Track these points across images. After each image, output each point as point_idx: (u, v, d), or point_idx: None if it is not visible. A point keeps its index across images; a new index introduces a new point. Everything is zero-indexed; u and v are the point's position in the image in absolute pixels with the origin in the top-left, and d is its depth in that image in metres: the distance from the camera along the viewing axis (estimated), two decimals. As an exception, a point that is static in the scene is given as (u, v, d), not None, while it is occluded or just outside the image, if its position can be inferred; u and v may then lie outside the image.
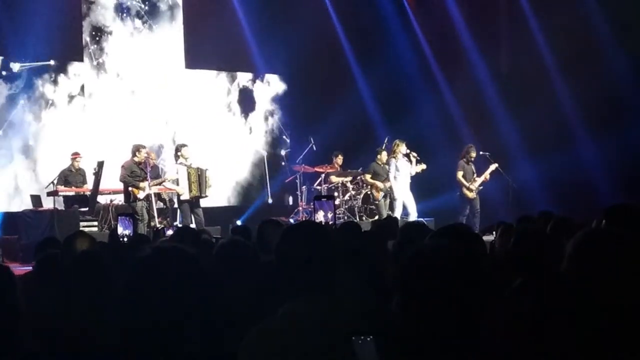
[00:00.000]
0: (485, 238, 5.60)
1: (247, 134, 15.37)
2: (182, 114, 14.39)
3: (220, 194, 13.68)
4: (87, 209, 11.37)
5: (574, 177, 11.90)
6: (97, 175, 11.12)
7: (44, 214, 11.10)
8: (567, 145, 12.06)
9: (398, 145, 11.91)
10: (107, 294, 2.89)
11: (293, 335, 2.04)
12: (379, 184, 12.12)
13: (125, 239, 6.09)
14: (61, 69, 13.26)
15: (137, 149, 10.91)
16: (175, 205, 11.64)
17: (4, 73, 12.54)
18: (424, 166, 12.01)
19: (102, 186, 11.41)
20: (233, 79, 15.31)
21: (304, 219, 11.79)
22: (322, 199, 7.74)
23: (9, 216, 11.82)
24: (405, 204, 11.89)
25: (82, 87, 13.50)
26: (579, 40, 12.03)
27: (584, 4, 12.23)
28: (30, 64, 12.62)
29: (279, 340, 2.04)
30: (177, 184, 11.18)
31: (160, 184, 11.23)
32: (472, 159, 12.14)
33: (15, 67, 12.56)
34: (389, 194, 12.13)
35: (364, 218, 12.64)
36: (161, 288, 1.83)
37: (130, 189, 10.76)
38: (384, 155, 12.29)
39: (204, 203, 11.61)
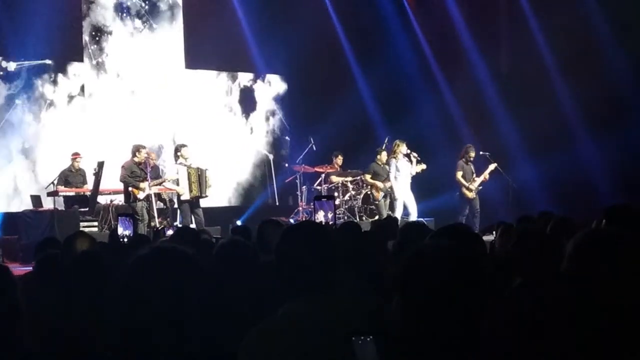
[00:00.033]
0: (485, 238, 5.60)
1: (247, 134, 15.37)
2: (182, 114, 14.39)
3: (220, 194, 13.68)
4: (87, 209, 11.37)
5: (574, 177, 11.91)
6: (97, 175, 11.13)
7: (44, 214, 11.11)
8: (567, 145, 12.05)
9: (398, 145, 11.90)
10: (107, 294, 2.89)
11: (293, 335, 2.04)
12: (379, 184, 12.12)
13: (126, 239, 6.09)
14: (61, 69, 13.26)
15: (137, 149, 10.91)
16: (176, 206, 11.64)
17: (1, 73, 12.54)
18: (424, 166, 12.01)
19: (102, 186, 11.41)
20: (233, 79, 15.31)
21: (304, 219, 11.79)
22: (322, 199, 7.74)
23: (9, 216, 11.82)
24: (405, 204, 11.89)
25: (82, 87, 13.50)
26: (579, 40, 12.02)
27: (584, 4, 12.23)
28: (26, 62, 12.60)
29: (278, 341, 2.04)
30: (177, 184, 11.18)
31: (160, 184, 11.23)
32: (471, 159, 12.14)
33: (12, 66, 12.54)
34: (389, 194, 12.13)
35: (364, 218, 12.64)
36: (159, 288, 1.83)
37: (130, 189, 10.76)
38: (383, 156, 12.28)
39: (204, 203, 11.61)
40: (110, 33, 13.80)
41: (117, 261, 3.25)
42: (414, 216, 11.70)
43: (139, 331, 1.82)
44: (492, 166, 12.16)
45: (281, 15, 14.56)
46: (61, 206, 11.51)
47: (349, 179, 13.11)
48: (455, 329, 1.77)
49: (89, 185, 11.58)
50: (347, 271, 3.22)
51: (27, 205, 11.80)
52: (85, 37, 13.55)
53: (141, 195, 10.74)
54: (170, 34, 14.45)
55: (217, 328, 2.22)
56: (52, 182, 11.32)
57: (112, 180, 11.33)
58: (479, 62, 13.88)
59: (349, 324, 2.04)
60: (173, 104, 14.30)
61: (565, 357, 2.01)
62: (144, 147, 11.08)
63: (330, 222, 7.04)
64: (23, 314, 2.31)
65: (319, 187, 13.15)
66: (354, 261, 3.72)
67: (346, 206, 12.91)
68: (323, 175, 13.13)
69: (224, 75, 15.18)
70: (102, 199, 11.80)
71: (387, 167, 12.10)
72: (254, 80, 15.48)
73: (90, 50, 13.61)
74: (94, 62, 13.65)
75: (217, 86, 15.09)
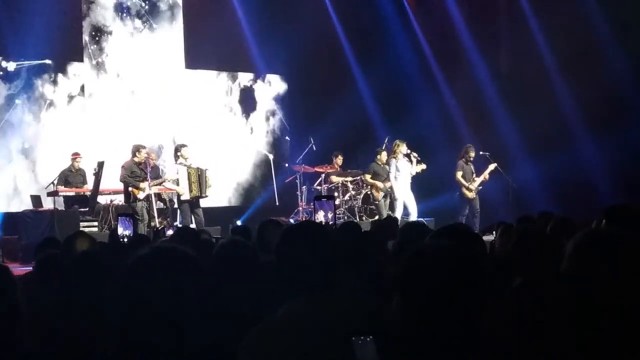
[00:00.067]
0: (485, 238, 5.60)
1: (247, 134, 15.37)
2: (182, 114, 14.39)
3: (220, 194, 13.68)
4: (87, 209, 11.37)
5: (574, 177, 11.90)
6: (97, 175, 11.13)
7: (44, 214, 11.10)
8: (567, 145, 12.05)
9: (398, 145, 11.90)
10: (107, 294, 2.89)
11: (293, 335, 2.04)
12: (379, 184, 12.12)
13: (126, 239, 6.09)
14: (61, 69, 13.26)
15: (137, 149, 10.91)
16: (176, 206, 11.64)
17: (1, 73, 12.54)
18: (423, 166, 12.01)
19: (102, 186, 11.41)
20: (234, 79, 15.31)
21: (304, 219, 11.79)
22: (322, 199, 7.74)
23: (9, 216, 11.82)
24: (406, 204, 11.89)
25: (82, 87, 13.50)
26: (579, 40, 12.02)
27: (584, 4, 12.23)
28: (26, 62, 12.59)
29: (278, 341, 2.04)
30: (177, 184, 11.18)
31: (160, 184, 11.23)
32: (471, 159, 12.14)
33: (12, 66, 12.54)
34: (389, 194, 12.13)
35: (364, 218, 12.64)
36: (159, 288, 1.83)
37: (130, 189, 10.76)
38: (383, 156, 12.28)
39: (204, 203, 11.62)
40: (110, 33, 13.80)
41: (117, 261, 3.25)
42: (414, 216, 11.70)
43: (139, 331, 1.82)
44: (491, 166, 12.16)
45: (281, 15, 14.55)
46: (61, 206, 11.51)
47: (349, 179, 13.11)
48: (455, 329, 1.77)
49: (89, 185, 11.58)
50: (347, 271, 3.22)
51: (26, 205, 11.80)
52: (85, 37, 13.54)
53: (141, 195, 10.74)
54: (170, 34, 14.45)
55: (217, 328, 2.22)
56: (52, 182, 11.32)
57: (112, 180, 11.33)
58: (479, 62, 13.88)
59: (349, 324, 2.04)
60: (173, 104, 14.29)
61: (565, 357, 2.01)
62: (144, 147, 11.08)
63: (330, 222, 7.04)
64: (23, 314, 2.32)
65: (319, 187, 13.15)
66: (354, 261, 3.72)
67: (346, 206, 12.91)
68: (323, 175, 13.13)
69: (224, 75, 15.18)
70: (102, 199, 11.80)
71: (387, 167, 12.10)
72: (254, 80, 15.48)
73: (90, 50, 13.61)
74: (94, 62, 13.65)
75: (217, 86, 15.09)
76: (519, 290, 3.01)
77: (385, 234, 5.35)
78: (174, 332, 1.82)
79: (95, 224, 11.24)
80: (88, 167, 11.66)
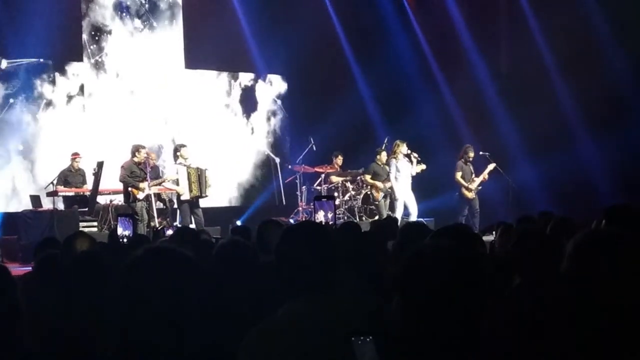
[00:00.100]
0: (485, 238, 5.61)
1: (248, 135, 15.36)
2: (182, 114, 14.39)
3: (220, 195, 13.68)
4: (86, 209, 11.37)
5: (574, 177, 11.91)
6: (97, 175, 11.12)
7: (43, 214, 11.10)
8: (567, 145, 12.05)
9: (399, 145, 11.90)
10: (107, 294, 2.89)
11: (293, 335, 2.04)
12: (379, 184, 12.12)
13: (125, 240, 6.10)
14: (60, 68, 13.25)
15: (136, 149, 10.90)
16: (175, 206, 11.64)
17: (-1, 73, 12.56)
18: (423, 166, 12.01)
19: (102, 186, 11.40)
20: (234, 79, 15.30)
21: (304, 219, 11.79)
22: (322, 199, 7.74)
23: (9, 216, 11.82)
24: (406, 204, 11.88)
25: (82, 87, 13.49)
26: (579, 40, 12.02)
27: (584, 4, 12.23)
28: (19, 60, 12.56)
29: (278, 341, 2.04)
30: (177, 184, 11.18)
31: (160, 184, 11.23)
32: (470, 159, 12.14)
33: (4, 64, 12.51)
34: (389, 194, 12.13)
35: (364, 218, 12.64)
36: (155, 288, 1.83)
37: (130, 189, 10.75)
38: (383, 156, 12.28)
39: (204, 203, 11.62)
40: (109, 32, 13.79)
41: (117, 261, 3.25)
42: (414, 216, 11.70)
43: (139, 331, 1.82)
44: (491, 166, 12.16)
45: (281, 15, 14.55)
46: (61, 206, 11.51)
47: (349, 179, 13.11)
48: (455, 329, 1.77)
49: (89, 185, 11.57)
50: (347, 271, 3.22)
51: (25, 205, 11.79)
52: (85, 37, 13.54)
53: (141, 195, 10.74)
54: (170, 34, 14.44)
55: (217, 328, 2.22)
56: (52, 182, 11.32)
57: (111, 180, 11.32)
58: (479, 62, 13.88)
59: (349, 324, 2.04)
60: (173, 104, 14.29)
61: (565, 357, 2.01)
62: (143, 147, 11.07)
63: (330, 222, 7.04)
64: (23, 314, 2.31)
65: (318, 187, 13.15)
66: (354, 261, 3.72)
67: (346, 206, 12.91)
68: (323, 176, 13.13)
69: (224, 75, 15.18)
70: (101, 199, 11.80)
71: (387, 167, 12.10)
72: (255, 80, 15.47)
73: (89, 50, 13.60)
74: (93, 61, 13.64)
75: (217, 86, 15.08)
76: (519, 290, 3.01)
77: (385, 234, 5.35)
78: (174, 332, 1.82)
79: (95, 224, 11.24)
80: (88, 167, 11.66)
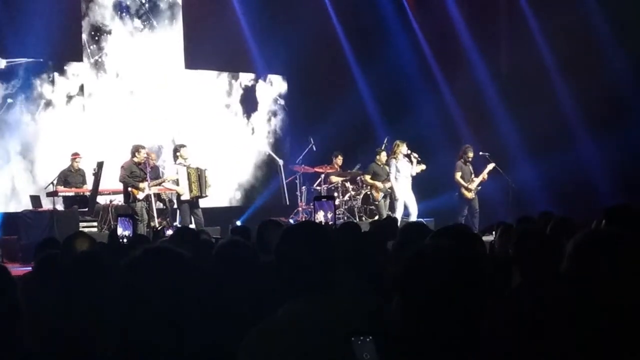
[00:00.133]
0: (485, 238, 5.62)
1: (248, 135, 15.36)
2: (182, 114, 14.38)
3: (221, 195, 13.68)
4: (86, 209, 11.37)
5: (574, 177, 11.91)
6: (97, 175, 11.12)
7: (43, 214, 11.10)
8: (567, 145, 12.05)
9: (399, 145, 11.90)
10: (107, 294, 2.89)
11: (293, 335, 2.04)
12: (379, 185, 12.12)
13: (125, 240, 6.09)
14: (60, 68, 13.25)
15: (136, 150, 10.90)
16: (175, 206, 11.64)
17: (-1, 73, 12.55)
18: (423, 167, 12.01)
19: (102, 187, 11.40)
20: (234, 79, 15.30)
21: (303, 219, 11.79)
22: (322, 200, 7.74)
23: (9, 216, 11.82)
24: (406, 204, 11.88)
25: (81, 87, 13.49)
26: (579, 40, 12.03)
27: (584, 4, 12.23)
28: (18, 59, 12.56)
29: (278, 341, 2.03)
30: (177, 184, 11.18)
31: (160, 184, 11.23)
32: (470, 159, 12.13)
33: (2, 63, 12.50)
34: (389, 195, 12.13)
35: (363, 218, 12.64)
36: (154, 288, 1.83)
37: (129, 189, 10.76)
38: (383, 156, 12.28)
39: (204, 203, 11.62)
40: (109, 32, 13.79)
41: (117, 261, 3.25)
42: (414, 217, 11.70)
43: (139, 331, 1.82)
44: (490, 166, 12.15)
45: (281, 15, 14.55)
46: (61, 206, 11.51)
47: (349, 179, 13.11)
48: (455, 329, 1.77)
49: (89, 185, 11.57)
50: (347, 271, 3.22)
51: (24, 206, 11.79)
52: (85, 37, 13.53)
53: (141, 195, 10.74)
54: (170, 34, 14.44)
55: (217, 328, 2.22)
56: (52, 183, 11.32)
57: (111, 181, 11.32)
58: (479, 62, 13.88)
59: (349, 324, 2.04)
60: (173, 104, 14.29)
61: (565, 357, 2.01)
62: (143, 147, 11.07)
63: (330, 222, 7.04)
64: (23, 314, 2.31)
65: (318, 188, 13.15)
66: (354, 261, 3.72)
67: (346, 206, 12.91)
68: (323, 176, 13.13)
69: (224, 75, 15.17)
70: (101, 199, 11.80)
71: (386, 167, 12.10)
72: (255, 81, 15.47)
73: (89, 50, 13.60)
74: (93, 61, 13.64)
75: (217, 86, 15.08)
76: (519, 290, 3.01)
77: (385, 234, 5.35)
78: (174, 332, 1.82)
79: (95, 224, 11.23)
80: (87, 167, 11.66)
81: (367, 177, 12.32)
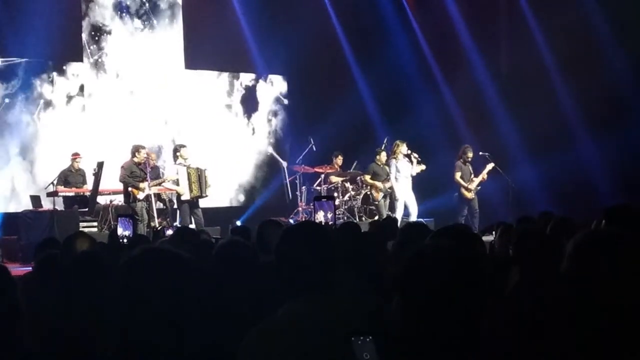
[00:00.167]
0: (485, 238, 5.62)
1: (249, 135, 15.36)
2: (182, 114, 14.39)
3: (221, 195, 13.68)
4: (87, 209, 11.37)
5: (574, 177, 11.91)
6: (97, 175, 11.12)
7: (43, 214, 11.10)
8: (567, 145, 12.05)
9: (399, 145, 11.90)
10: (107, 294, 2.89)
11: (293, 335, 2.04)
12: (379, 185, 12.12)
13: (125, 240, 6.10)
14: (60, 68, 13.25)
15: (136, 150, 10.91)
16: (175, 206, 11.64)
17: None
18: (423, 167, 12.01)
19: (102, 187, 11.41)
20: (234, 80, 15.30)
21: (303, 219, 11.79)
22: (322, 200, 7.74)
23: (9, 217, 11.82)
24: (407, 204, 11.89)
25: (82, 87, 13.49)
26: (579, 40, 12.02)
27: (584, 4, 12.23)
28: (17, 59, 12.55)
29: (278, 341, 2.03)
30: (177, 184, 11.18)
31: (160, 184, 11.23)
32: (469, 159, 12.13)
33: (5, 64, 12.49)
34: (389, 195, 12.13)
35: (363, 218, 12.64)
36: (154, 288, 1.83)
37: (130, 189, 10.76)
38: (383, 156, 12.28)
39: (204, 203, 11.62)
40: (109, 32, 13.79)
41: (117, 262, 3.25)
42: (414, 217, 11.70)
43: (139, 331, 1.82)
44: (489, 166, 12.15)
45: (281, 15, 14.55)
46: (61, 206, 11.51)
47: (349, 179, 13.11)
48: (455, 329, 1.77)
49: (89, 185, 11.58)
50: (347, 271, 3.22)
51: (24, 206, 11.78)
52: (85, 37, 13.53)
53: (141, 195, 10.74)
54: (170, 34, 14.44)
55: (217, 328, 2.22)
56: (52, 183, 11.32)
57: (111, 181, 11.32)
58: (479, 62, 13.88)
59: (349, 324, 2.04)
60: (173, 104, 14.29)
61: (565, 357, 2.01)
62: (143, 148, 11.08)
63: (330, 223, 7.04)
64: (23, 314, 2.31)
65: (318, 188, 13.15)
66: (354, 261, 3.72)
67: (346, 206, 12.90)
68: (323, 176, 13.12)
69: (224, 75, 15.17)
70: (101, 199, 11.80)
71: (386, 167, 12.10)
72: (256, 81, 15.47)
73: (89, 50, 13.60)
74: (93, 61, 13.63)
75: (217, 86, 15.08)
76: (519, 290, 3.01)
77: (385, 234, 5.35)
78: (174, 332, 1.82)
79: (95, 224, 11.23)
80: (88, 167, 11.66)
81: (367, 177, 12.32)
